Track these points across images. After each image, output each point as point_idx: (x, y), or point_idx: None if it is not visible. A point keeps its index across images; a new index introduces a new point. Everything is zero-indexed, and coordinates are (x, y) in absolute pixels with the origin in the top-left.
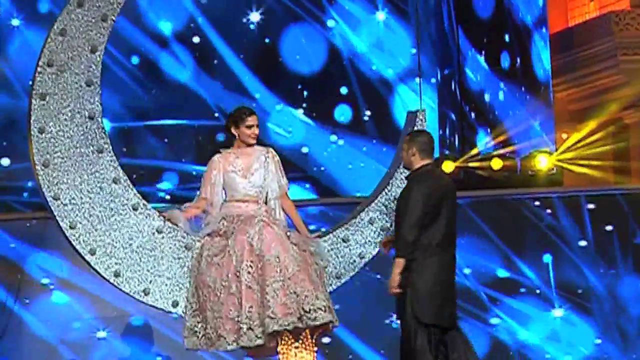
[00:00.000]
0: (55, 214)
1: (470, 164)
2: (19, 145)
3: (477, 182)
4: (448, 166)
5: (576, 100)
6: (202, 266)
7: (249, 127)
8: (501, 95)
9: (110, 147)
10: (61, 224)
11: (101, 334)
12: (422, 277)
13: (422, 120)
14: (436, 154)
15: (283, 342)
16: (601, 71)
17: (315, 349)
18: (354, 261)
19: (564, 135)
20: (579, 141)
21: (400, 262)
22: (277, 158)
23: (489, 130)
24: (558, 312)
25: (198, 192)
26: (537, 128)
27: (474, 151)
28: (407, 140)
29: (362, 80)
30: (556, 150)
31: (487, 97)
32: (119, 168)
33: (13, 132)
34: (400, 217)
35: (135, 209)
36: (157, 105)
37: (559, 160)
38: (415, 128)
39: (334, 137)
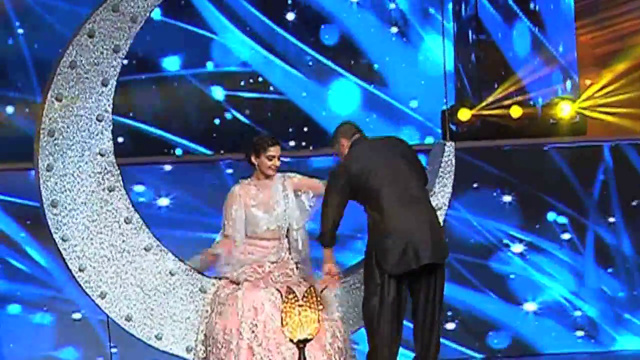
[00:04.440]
0: (64, 255)
1: (488, 112)
2: None
3: (495, 131)
4: (464, 114)
5: (601, 44)
6: (212, 314)
7: (270, 158)
8: (521, 38)
9: (122, 185)
10: (70, 266)
11: None
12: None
13: (450, 151)
14: (451, 102)
15: (285, 300)
16: (627, 13)
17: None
18: None
19: (588, 81)
20: (604, 87)
21: (327, 252)
22: (295, 179)
23: (508, 76)
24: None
25: (221, 230)
26: (560, 73)
27: (492, 98)
28: (332, 144)
29: None
30: (579, 97)
31: (506, 40)
32: (131, 207)
33: None
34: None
35: (147, 250)
36: None
37: (582, 108)
38: (443, 161)
39: None
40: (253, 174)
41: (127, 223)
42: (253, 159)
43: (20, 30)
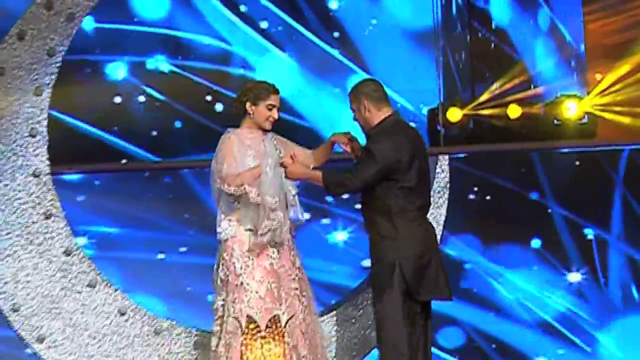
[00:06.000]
0: None
1: (482, 112)
2: None
3: (491, 133)
4: (454, 114)
5: (612, 32)
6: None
7: (270, 107)
8: (520, 27)
9: (62, 211)
10: (2, 307)
11: None
12: (412, 246)
13: (444, 165)
14: (437, 100)
15: (246, 331)
16: None
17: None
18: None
19: (598, 76)
20: (616, 83)
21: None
22: (282, 139)
23: (505, 69)
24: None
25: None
26: (565, 67)
27: (486, 96)
28: (351, 98)
29: None
30: (588, 94)
31: (503, 27)
32: (72, 236)
33: None
34: (357, 165)
35: (92, 287)
36: None
37: (592, 107)
38: (437, 174)
39: None
40: (241, 125)
41: (67, 255)
42: (248, 106)
43: None
